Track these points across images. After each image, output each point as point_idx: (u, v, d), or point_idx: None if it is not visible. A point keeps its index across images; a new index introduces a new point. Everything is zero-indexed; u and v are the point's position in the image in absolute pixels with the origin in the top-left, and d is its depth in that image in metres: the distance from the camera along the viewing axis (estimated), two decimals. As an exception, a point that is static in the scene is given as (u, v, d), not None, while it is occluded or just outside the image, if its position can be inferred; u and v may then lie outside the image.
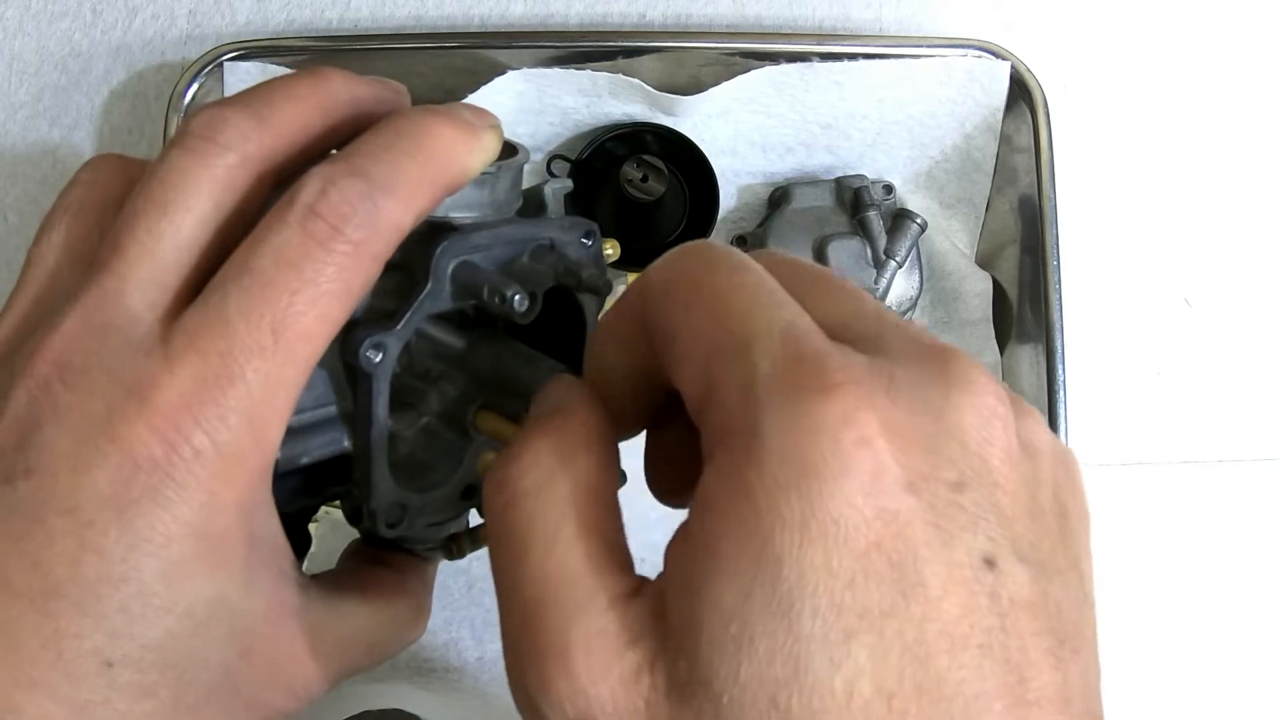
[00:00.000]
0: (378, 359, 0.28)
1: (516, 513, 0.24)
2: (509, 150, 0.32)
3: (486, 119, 0.29)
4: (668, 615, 0.22)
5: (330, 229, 0.25)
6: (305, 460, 0.29)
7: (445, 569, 0.61)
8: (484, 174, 0.30)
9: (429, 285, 0.28)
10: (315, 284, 0.25)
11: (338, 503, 0.31)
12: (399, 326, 0.28)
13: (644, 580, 0.25)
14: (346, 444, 0.29)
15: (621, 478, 0.31)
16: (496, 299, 0.28)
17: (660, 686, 0.22)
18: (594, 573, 0.24)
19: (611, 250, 0.35)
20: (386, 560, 0.33)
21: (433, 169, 0.27)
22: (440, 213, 0.29)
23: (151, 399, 0.24)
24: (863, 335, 0.23)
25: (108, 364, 0.24)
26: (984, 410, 0.22)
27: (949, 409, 0.21)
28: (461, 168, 0.28)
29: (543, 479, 0.25)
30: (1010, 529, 0.21)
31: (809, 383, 0.21)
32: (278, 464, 0.27)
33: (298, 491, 0.30)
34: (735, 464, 0.21)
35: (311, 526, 0.35)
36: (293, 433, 0.28)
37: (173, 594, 0.25)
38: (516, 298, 0.28)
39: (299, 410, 0.27)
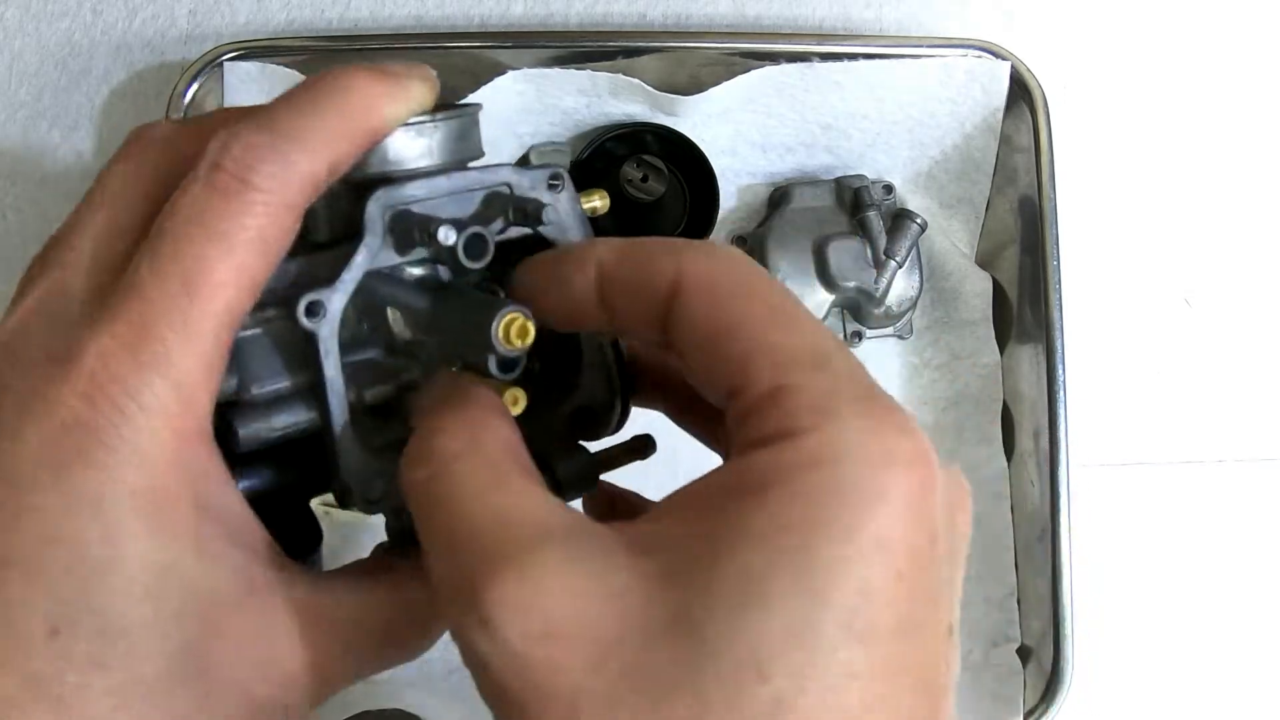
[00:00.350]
0: (319, 316, 0.28)
1: (448, 476, 0.25)
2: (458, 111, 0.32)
3: (416, 70, 0.29)
4: (663, 555, 0.23)
5: (235, 180, 0.25)
6: (272, 435, 0.29)
7: (445, 569, 0.62)
8: (419, 127, 0.29)
9: (363, 238, 0.28)
10: (225, 236, 0.25)
11: (337, 505, 0.31)
12: (336, 283, 0.28)
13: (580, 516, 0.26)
14: (311, 415, 0.29)
15: (651, 445, 0.33)
16: (425, 237, 0.28)
17: (638, 612, 0.22)
18: (547, 507, 0.25)
19: (600, 203, 0.34)
20: (410, 554, 0.32)
21: (346, 117, 0.27)
22: (376, 170, 0.29)
23: (75, 364, 0.25)
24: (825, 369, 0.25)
25: (44, 342, 0.26)
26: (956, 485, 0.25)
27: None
28: (381, 116, 0.28)
29: (468, 442, 0.26)
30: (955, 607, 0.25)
31: (891, 419, 0.23)
32: (246, 442, 0.28)
33: (277, 473, 0.30)
34: (804, 462, 0.23)
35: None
36: (255, 409, 0.28)
37: (115, 555, 0.25)
38: (442, 230, 0.28)
39: (259, 384, 0.28)
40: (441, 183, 0.29)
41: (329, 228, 0.30)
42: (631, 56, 0.59)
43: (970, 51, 0.59)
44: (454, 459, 0.25)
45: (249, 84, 0.58)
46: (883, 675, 0.22)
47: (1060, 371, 0.58)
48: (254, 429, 0.28)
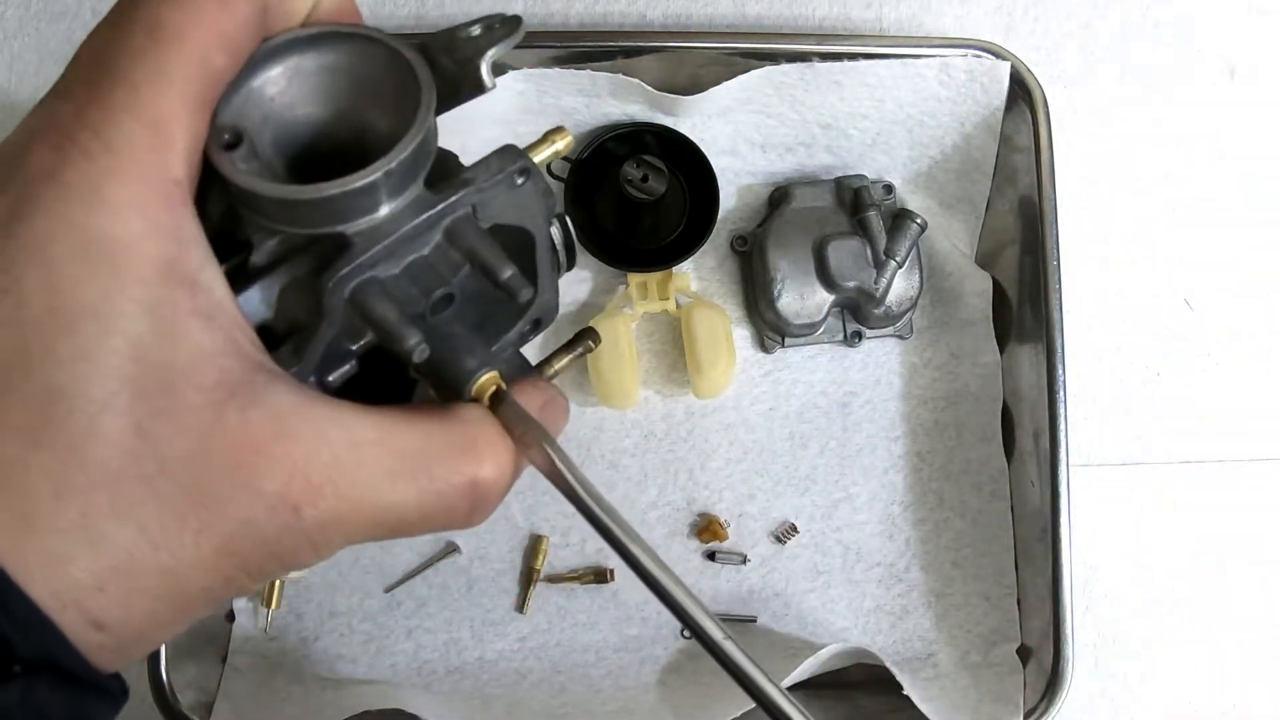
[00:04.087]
0: None
1: None
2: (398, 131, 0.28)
3: None
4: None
5: None
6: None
7: (446, 569, 0.62)
8: (366, 183, 0.26)
9: (323, 324, 0.27)
10: None
11: None
12: (302, 364, 0.27)
13: None
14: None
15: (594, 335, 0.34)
16: (403, 352, 0.27)
17: None
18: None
19: (562, 144, 0.32)
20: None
21: None
22: (327, 227, 0.27)
23: (50, 119, 0.24)
24: None
25: (32, 124, 0.25)
26: None
27: None
28: None
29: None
30: None
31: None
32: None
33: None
34: None
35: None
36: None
37: (50, 300, 0.23)
38: (416, 353, 0.27)
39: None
40: (396, 240, 0.27)
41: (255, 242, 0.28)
42: (631, 56, 0.59)
43: (970, 51, 0.59)
44: None
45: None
46: None
47: (1060, 371, 0.58)
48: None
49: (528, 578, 0.62)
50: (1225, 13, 0.67)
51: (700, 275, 0.64)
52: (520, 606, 0.62)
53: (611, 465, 0.63)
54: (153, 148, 0.24)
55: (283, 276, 0.27)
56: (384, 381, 0.30)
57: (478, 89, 0.29)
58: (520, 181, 0.30)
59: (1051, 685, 0.57)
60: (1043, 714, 0.57)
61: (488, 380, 0.28)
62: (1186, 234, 0.66)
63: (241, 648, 0.60)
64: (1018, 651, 0.60)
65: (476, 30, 0.29)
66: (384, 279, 0.27)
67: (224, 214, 0.28)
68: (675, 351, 0.63)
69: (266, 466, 0.24)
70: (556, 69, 0.58)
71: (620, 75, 0.58)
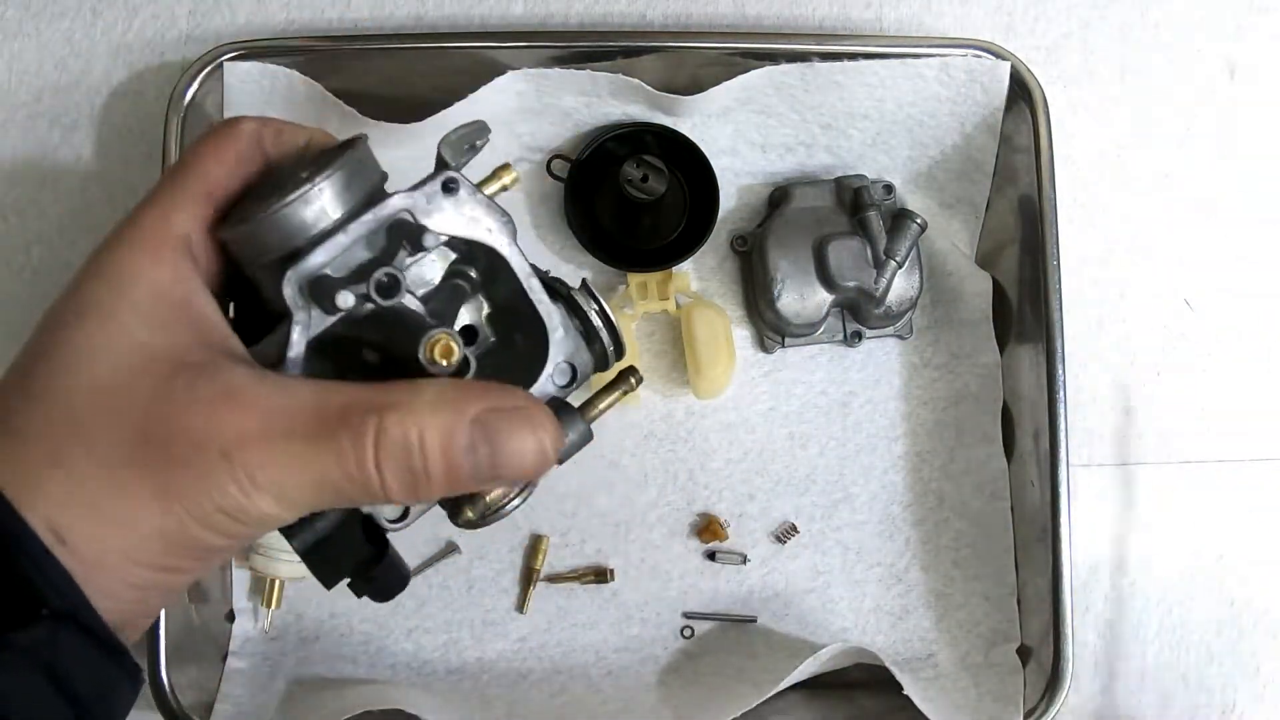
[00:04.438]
0: None
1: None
2: (338, 150, 0.34)
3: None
4: None
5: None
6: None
7: (446, 570, 0.62)
8: (305, 195, 0.31)
9: (292, 318, 0.32)
10: (195, 142, 0.35)
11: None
12: (285, 364, 0.32)
13: None
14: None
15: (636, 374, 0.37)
16: (330, 303, 0.31)
17: None
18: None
19: (509, 179, 0.36)
20: None
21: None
22: (279, 250, 0.32)
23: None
24: None
25: None
26: None
27: None
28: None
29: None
30: None
31: None
32: None
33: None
34: None
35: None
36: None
37: (67, 302, 0.31)
38: (339, 296, 0.31)
39: None
40: (340, 239, 0.32)
41: (275, 299, 0.32)
42: (631, 56, 0.59)
43: (970, 51, 0.59)
44: None
45: (249, 84, 0.58)
46: None
47: (1060, 371, 0.58)
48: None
49: (528, 578, 0.62)
50: (1225, 12, 0.67)
51: (700, 275, 0.64)
52: (520, 606, 0.62)
53: (611, 465, 0.63)
54: (159, 220, 0.32)
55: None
56: None
57: (443, 165, 0.34)
58: (452, 187, 0.34)
59: (1051, 685, 0.57)
60: (1043, 714, 0.57)
61: (437, 338, 0.31)
62: (1186, 234, 0.66)
63: (241, 648, 0.60)
64: (1018, 651, 0.60)
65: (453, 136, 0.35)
66: (336, 278, 0.32)
67: (260, 295, 0.33)
68: (675, 351, 0.63)
69: (205, 418, 0.29)
70: (556, 69, 0.58)
71: (620, 75, 0.58)
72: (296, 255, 0.32)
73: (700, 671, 0.61)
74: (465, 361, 0.32)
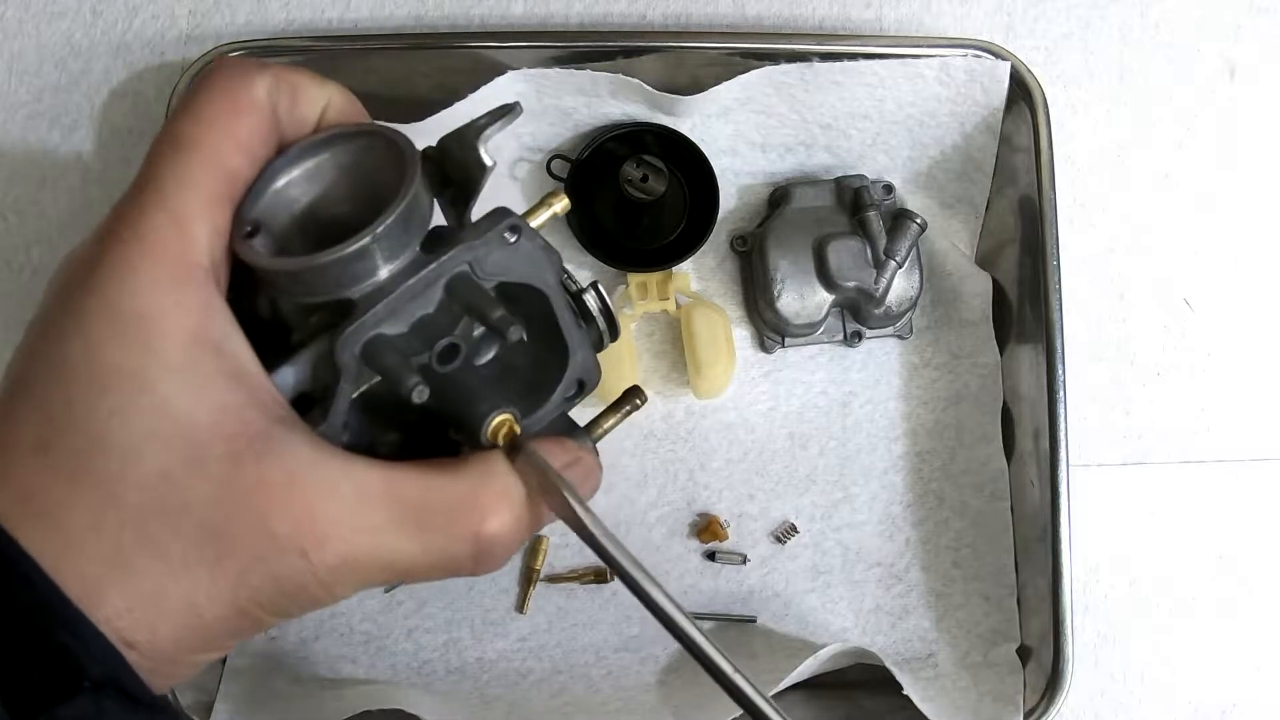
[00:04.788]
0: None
1: None
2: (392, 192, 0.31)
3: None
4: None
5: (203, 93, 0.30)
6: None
7: (445, 569, 0.62)
8: (360, 247, 0.29)
9: (339, 382, 0.30)
10: (198, 118, 0.30)
11: None
12: (327, 422, 0.30)
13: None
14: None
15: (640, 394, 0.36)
16: (404, 393, 0.30)
17: None
18: None
19: (559, 206, 0.35)
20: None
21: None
22: (327, 295, 0.30)
23: (102, 221, 0.29)
24: None
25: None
26: None
27: None
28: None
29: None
30: None
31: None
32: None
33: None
34: None
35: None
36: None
37: (90, 366, 0.26)
38: (415, 392, 0.30)
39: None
40: (404, 292, 0.30)
41: (299, 329, 0.31)
42: (631, 56, 0.59)
43: (970, 51, 0.59)
44: None
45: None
46: None
47: (1060, 371, 0.58)
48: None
49: (528, 578, 0.62)
50: (1225, 13, 0.67)
51: (700, 275, 0.64)
52: (520, 606, 0.62)
53: (611, 465, 0.63)
54: (176, 236, 0.28)
55: (314, 350, 0.30)
56: (431, 452, 0.32)
57: (481, 168, 0.32)
58: (511, 239, 0.32)
59: (1051, 685, 0.57)
60: (1043, 714, 0.57)
61: (500, 422, 0.31)
62: (1186, 234, 0.66)
63: (241, 648, 0.60)
64: (1018, 651, 0.60)
65: (482, 120, 0.33)
66: (391, 335, 0.30)
67: (271, 307, 0.31)
68: (675, 351, 0.63)
69: (277, 511, 0.27)
70: (556, 69, 0.58)
71: (620, 75, 0.58)
72: (344, 308, 0.30)
73: (700, 672, 0.61)
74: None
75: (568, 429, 0.35)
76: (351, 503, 0.28)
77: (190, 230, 0.28)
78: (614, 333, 0.36)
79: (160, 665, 0.27)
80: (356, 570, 0.28)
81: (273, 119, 0.31)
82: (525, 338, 0.32)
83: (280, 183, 0.31)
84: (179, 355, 0.27)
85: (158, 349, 0.27)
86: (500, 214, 0.33)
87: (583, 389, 0.35)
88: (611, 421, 0.36)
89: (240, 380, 0.28)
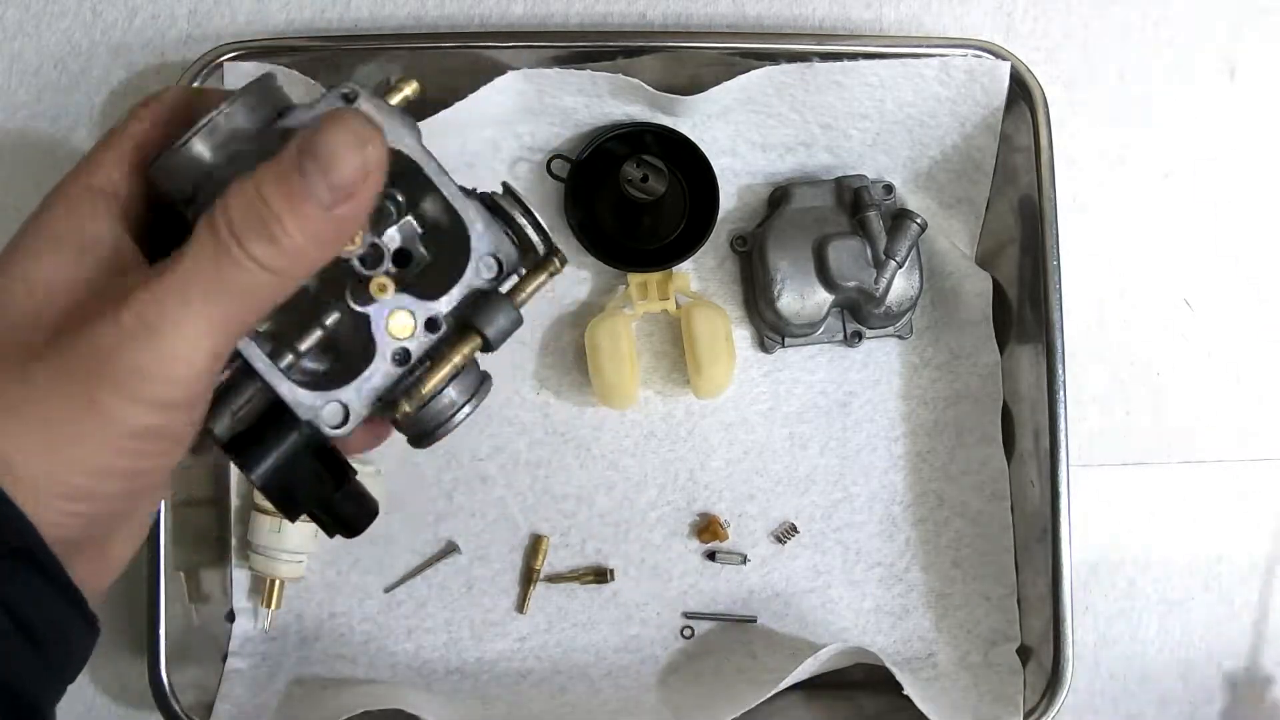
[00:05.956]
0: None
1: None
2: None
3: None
4: None
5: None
6: (239, 412, 0.34)
7: (446, 570, 0.62)
8: (212, 124, 0.33)
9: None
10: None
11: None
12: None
13: None
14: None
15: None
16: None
17: None
18: None
19: (409, 90, 0.36)
20: None
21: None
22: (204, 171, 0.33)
23: None
24: None
25: None
26: None
27: None
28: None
29: None
30: None
31: None
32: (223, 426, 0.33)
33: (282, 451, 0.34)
34: None
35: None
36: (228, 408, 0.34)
37: (7, 256, 0.34)
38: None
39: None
40: (240, 150, 0.33)
41: None
42: (631, 56, 0.59)
43: (970, 51, 0.59)
44: None
45: (249, 84, 0.58)
46: None
47: (1060, 371, 0.58)
48: (221, 417, 0.34)
49: (528, 578, 0.62)
50: (1225, 13, 0.67)
51: (700, 275, 0.64)
52: (520, 606, 0.62)
53: (611, 465, 0.63)
54: (81, 176, 0.34)
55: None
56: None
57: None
58: (348, 99, 0.34)
59: (1051, 685, 0.57)
60: (1043, 714, 0.57)
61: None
62: (1186, 234, 0.66)
63: (241, 648, 0.60)
64: (1018, 651, 0.60)
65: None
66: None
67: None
68: (675, 351, 0.63)
69: (102, 305, 0.30)
70: (556, 69, 0.58)
71: (620, 75, 0.58)
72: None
73: (700, 671, 0.61)
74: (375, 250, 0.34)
75: (483, 298, 0.35)
76: (157, 268, 0.30)
77: (94, 173, 0.34)
78: (543, 234, 0.36)
79: (37, 494, 0.29)
80: (166, 311, 0.30)
81: (185, 104, 0.35)
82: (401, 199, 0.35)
83: (182, 140, 0.33)
84: (64, 242, 0.33)
85: (47, 237, 0.33)
86: (335, 89, 0.34)
87: (501, 268, 0.35)
88: (532, 285, 0.36)
89: (114, 259, 0.33)
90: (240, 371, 0.33)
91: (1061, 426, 0.58)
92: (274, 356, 0.34)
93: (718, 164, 0.61)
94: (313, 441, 0.34)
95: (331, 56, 0.59)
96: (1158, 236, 0.66)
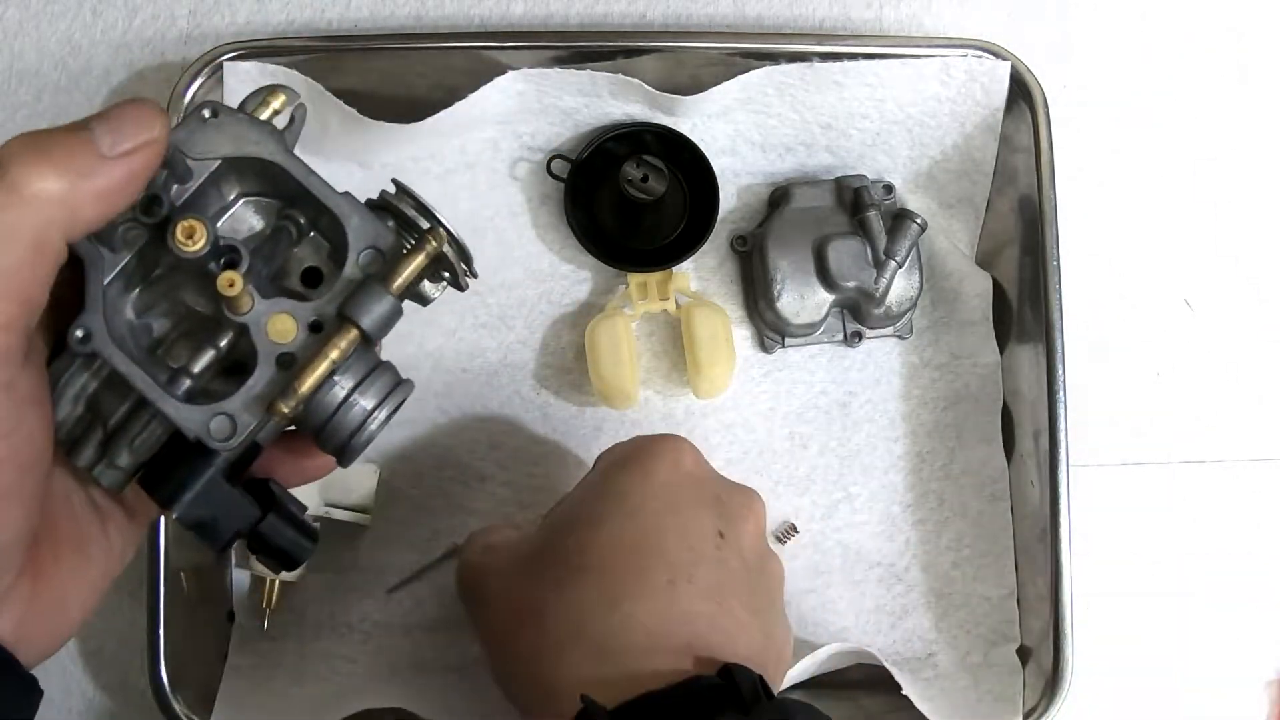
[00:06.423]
0: (89, 339, 0.33)
1: None
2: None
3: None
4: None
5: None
6: (141, 444, 0.34)
7: (446, 569, 0.62)
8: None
9: (87, 264, 0.33)
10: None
11: None
12: (87, 307, 0.33)
13: None
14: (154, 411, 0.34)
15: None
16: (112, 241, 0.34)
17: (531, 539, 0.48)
18: None
19: (277, 103, 0.36)
20: None
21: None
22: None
23: None
24: None
25: None
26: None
27: None
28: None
29: None
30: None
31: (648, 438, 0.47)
32: (121, 459, 0.34)
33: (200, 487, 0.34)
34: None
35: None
36: (120, 436, 0.34)
37: None
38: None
39: (111, 416, 0.34)
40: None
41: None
42: (631, 56, 0.59)
43: (970, 51, 0.59)
44: None
45: (249, 84, 0.58)
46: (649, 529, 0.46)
47: (1060, 371, 0.58)
48: (121, 450, 0.34)
49: (528, 578, 0.62)
50: (1226, 12, 0.67)
51: (700, 275, 0.64)
52: (520, 606, 0.62)
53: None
54: None
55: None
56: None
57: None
58: (208, 115, 0.35)
59: (1051, 685, 0.57)
60: (1043, 714, 0.57)
61: (186, 219, 0.33)
62: (1186, 234, 0.66)
63: (241, 648, 0.60)
64: (1018, 651, 0.60)
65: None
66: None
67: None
68: (675, 351, 0.63)
69: None
70: (556, 69, 0.58)
71: (620, 75, 0.58)
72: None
73: (700, 671, 0.61)
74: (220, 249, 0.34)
75: (360, 288, 0.34)
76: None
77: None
78: (429, 214, 0.36)
79: None
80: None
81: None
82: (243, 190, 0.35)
83: None
84: None
85: None
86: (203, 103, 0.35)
87: (383, 257, 0.35)
88: (409, 268, 0.35)
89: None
90: (136, 403, 0.34)
91: (1061, 426, 0.58)
92: (171, 383, 0.34)
93: (718, 164, 0.61)
94: (233, 469, 0.34)
95: (331, 56, 0.59)
96: (1158, 236, 0.66)
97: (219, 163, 0.34)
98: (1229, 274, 0.66)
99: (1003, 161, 0.62)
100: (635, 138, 0.61)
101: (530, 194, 0.63)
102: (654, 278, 0.62)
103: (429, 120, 0.57)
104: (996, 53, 0.59)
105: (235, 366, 0.35)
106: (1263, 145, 0.66)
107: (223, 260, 0.34)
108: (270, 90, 0.36)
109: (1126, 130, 0.66)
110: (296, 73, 0.57)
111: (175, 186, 0.34)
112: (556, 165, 0.62)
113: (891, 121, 0.61)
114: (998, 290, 0.63)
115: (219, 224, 0.36)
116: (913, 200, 0.64)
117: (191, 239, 0.32)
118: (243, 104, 0.36)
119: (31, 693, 0.31)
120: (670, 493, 0.47)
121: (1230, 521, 0.64)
